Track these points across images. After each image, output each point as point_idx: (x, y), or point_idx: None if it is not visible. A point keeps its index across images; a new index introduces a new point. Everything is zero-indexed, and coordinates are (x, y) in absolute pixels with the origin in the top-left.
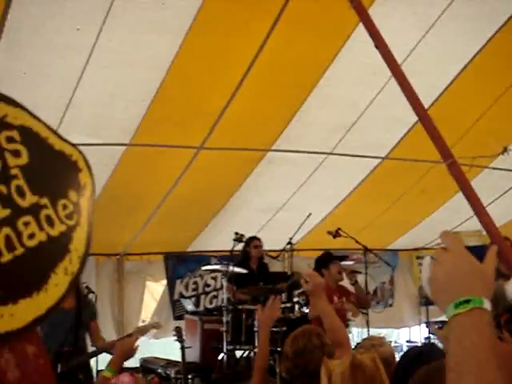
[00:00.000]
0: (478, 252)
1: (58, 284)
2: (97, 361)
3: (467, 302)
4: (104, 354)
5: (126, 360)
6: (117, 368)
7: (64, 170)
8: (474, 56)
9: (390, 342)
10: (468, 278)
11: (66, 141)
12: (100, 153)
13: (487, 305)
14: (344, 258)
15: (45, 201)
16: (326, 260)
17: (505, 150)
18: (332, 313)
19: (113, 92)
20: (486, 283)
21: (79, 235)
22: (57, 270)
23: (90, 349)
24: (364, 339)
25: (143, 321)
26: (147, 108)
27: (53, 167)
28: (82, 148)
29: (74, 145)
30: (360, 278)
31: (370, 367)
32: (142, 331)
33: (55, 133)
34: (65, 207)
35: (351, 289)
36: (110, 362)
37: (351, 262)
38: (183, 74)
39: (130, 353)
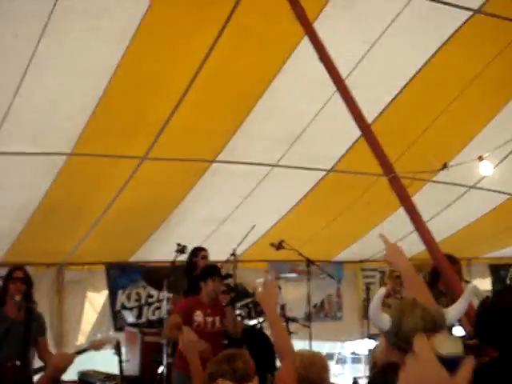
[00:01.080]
0: (452, 363)
1: None
2: None
3: None
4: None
5: (57, 377)
6: None
7: None
8: (419, 70)
9: (334, 353)
10: None
11: None
12: (40, 162)
13: None
14: (228, 276)
15: None
16: (206, 273)
17: (445, 165)
18: (279, 324)
19: (53, 100)
20: None
21: None
22: None
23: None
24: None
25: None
26: (89, 117)
27: None
28: (21, 157)
29: None
30: (303, 290)
31: None
32: (97, 346)
33: None
34: None
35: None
36: (39, 382)
37: (294, 275)
38: (126, 83)
39: (61, 374)
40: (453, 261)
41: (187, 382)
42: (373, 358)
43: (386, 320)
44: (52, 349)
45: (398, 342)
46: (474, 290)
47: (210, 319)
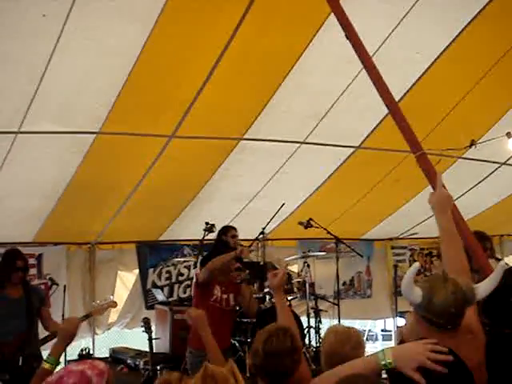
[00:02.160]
0: None
1: None
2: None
3: None
4: None
5: (67, 345)
6: (58, 356)
7: None
8: (448, 46)
9: (365, 330)
10: None
11: None
12: (69, 141)
13: None
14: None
15: None
16: (218, 251)
17: (472, 142)
18: (287, 311)
19: (81, 79)
20: None
21: None
22: None
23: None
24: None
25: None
26: (117, 96)
27: None
28: (50, 136)
29: None
30: (332, 268)
31: (221, 377)
32: (99, 311)
33: None
34: None
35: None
36: (51, 351)
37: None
38: (153, 62)
39: (71, 337)
40: (484, 237)
41: (202, 359)
42: (400, 336)
43: (417, 293)
44: (85, 326)
45: (427, 315)
46: (505, 267)
47: (225, 296)
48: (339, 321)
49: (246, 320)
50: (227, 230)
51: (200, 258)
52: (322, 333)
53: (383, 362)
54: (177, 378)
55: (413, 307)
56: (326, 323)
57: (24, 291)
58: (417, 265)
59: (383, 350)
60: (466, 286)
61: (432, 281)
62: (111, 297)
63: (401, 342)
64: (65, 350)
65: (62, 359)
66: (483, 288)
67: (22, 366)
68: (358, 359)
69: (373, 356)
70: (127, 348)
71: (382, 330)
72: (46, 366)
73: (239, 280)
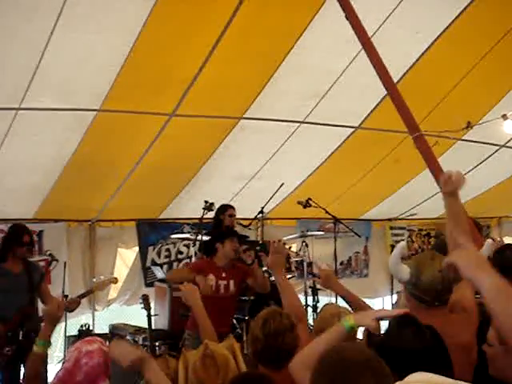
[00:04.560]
0: None
1: None
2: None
3: None
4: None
5: (55, 324)
6: (48, 337)
7: None
8: (448, 27)
9: None
10: None
11: None
12: (70, 118)
13: None
14: (246, 238)
15: None
16: (224, 234)
17: (469, 124)
18: (291, 288)
19: (82, 56)
20: None
21: None
22: None
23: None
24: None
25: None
26: (117, 73)
27: None
28: (51, 113)
29: None
30: (330, 248)
31: (222, 356)
32: (100, 286)
33: None
34: None
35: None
36: (39, 335)
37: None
38: (154, 40)
39: (57, 320)
40: (475, 224)
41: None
42: None
43: (405, 271)
44: (85, 303)
45: (415, 292)
46: (492, 243)
47: (223, 283)
48: (336, 299)
49: (243, 298)
50: (225, 208)
51: (200, 236)
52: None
53: (347, 326)
54: (175, 369)
55: (402, 285)
56: (323, 302)
57: (25, 266)
58: (403, 244)
59: (345, 318)
60: None
61: (420, 259)
62: (127, 285)
63: None
64: (52, 331)
65: (61, 335)
66: None
67: (22, 340)
68: (325, 333)
69: (338, 325)
70: (126, 324)
71: None
72: (39, 350)
73: (251, 261)
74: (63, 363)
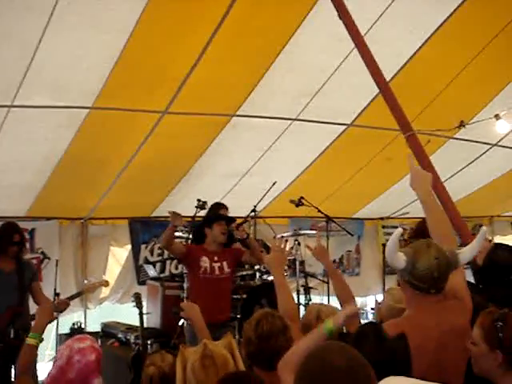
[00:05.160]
0: None
1: None
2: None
3: None
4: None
5: (48, 322)
6: (41, 332)
7: None
8: (440, 25)
9: None
10: None
11: None
12: (62, 116)
13: None
14: (232, 220)
15: None
16: (211, 219)
17: (461, 123)
18: (287, 288)
19: (75, 54)
20: None
21: None
22: None
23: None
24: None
25: (93, 279)
26: (110, 71)
27: None
28: (43, 110)
29: None
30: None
31: (221, 357)
32: (90, 289)
33: None
34: None
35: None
36: (33, 328)
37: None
38: (147, 38)
39: (51, 316)
40: None
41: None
42: (378, 315)
43: (401, 259)
44: (77, 301)
45: (411, 280)
46: (486, 231)
47: (217, 264)
48: (328, 298)
49: (235, 296)
50: (217, 207)
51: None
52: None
53: (327, 330)
54: (170, 362)
55: (397, 273)
56: (316, 300)
57: (16, 265)
58: (400, 230)
59: (325, 322)
60: (448, 251)
61: (415, 246)
62: (103, 276)
63: (380, 320)
64: (45, 326)
65: (53, 333)
66: (466, 253)
67: (12, 338)
68: (308, 336)
69: (319, 329)
70: (118, 323)
71: (372, 309)
72: (32, 341)
73: (246, 235)
74: (55, 361)
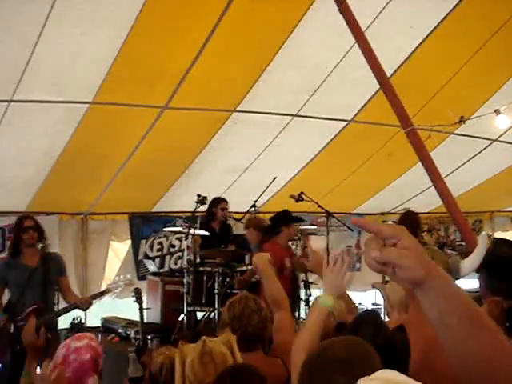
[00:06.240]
0: None
1: None
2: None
3: None
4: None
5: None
6: (32, 369)
7: None
8: (441, 21)
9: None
10: None
11: None
12: (62, 110)
13: None
14: (301, 220)
15: None
16: (287, 218)
17: (461, 119)
18: (273, 275)
19: (74, 49)
20: None
21: None
22: None
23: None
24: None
25: (118, 277)
26: (110, 66)
27: None
28: (43, 105)
29: None
30: (322, 242)
31: (220, 354)
32: (114, 287)
33: None
34: None
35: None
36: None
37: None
38: (147, 33)
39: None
40: None
41: None
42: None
43: None
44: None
45: None
46: (487, 238)
47: (287, 260)
48: None
49: (236, 291)
50: (218, 201)
51: (192, 230)
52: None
53: (328, 304)
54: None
55: None
56: (316, 295)
57: (41, 260)
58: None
59: (320, 298)
60: (451, 259)
61: None
62: (128, 275)
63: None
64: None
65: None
66: (469, 262)
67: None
68: (308, 320)
69: (316, 309)
70: (118, 318)
71: (373, 304)
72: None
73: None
74: (53, 359)
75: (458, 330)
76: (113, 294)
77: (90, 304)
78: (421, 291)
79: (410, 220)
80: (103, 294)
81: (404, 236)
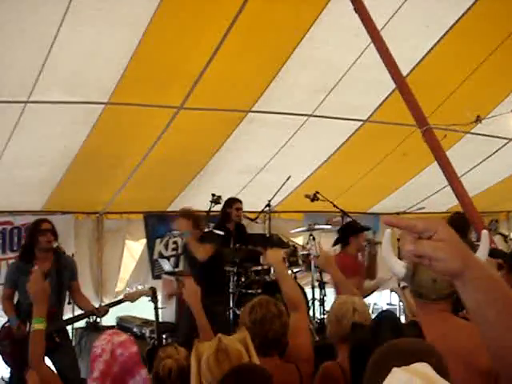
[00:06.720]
0: None
1: None
2: None
3: None
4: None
5: (41, 299)
6: (43, 314)
7: None
8: (457, 20)
9: (370, 304)
10: None
11: None
12: (78, 111)
13: None
14: (369, 228)
15: None
16: (355, 228)
17: (478, 118)
18: (289, 276)
19: (90, 49)
20: None
21: None
22: None
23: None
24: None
25: (136, 287)
26: (126, 67)
27: None
28: (59, 106)
29: None
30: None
31: (235, 351)
32: (132, 297)
33: None
34: None
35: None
36: (35, 313)
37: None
38: (162, 33)
39: (41, 292)
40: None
41: None
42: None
43: (399, 266)
44: (92, 295)
45: (412, 287)
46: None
47: None
48: None
49: (250, 291)
50: (232, 202)
51: (206, 229)
52: (326, 305)
53: None
54: (186, 355)
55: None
56: (330, 295)
57: (55, 264)
58: (389, 231)
59: None
60: None
61: None
62: (147, 285)
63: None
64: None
65: (69, 327)
66: None
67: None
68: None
69: None
70: (134, 317)
71: (388, 304)
72: (39, 326)
73: None
74: (96, 356)
75: (496, 322)
76: (130, 301)
77: (107, 312)
78: (459, 282)
79: (459, 222)
80: (120, 302)
81: (440, 228)
